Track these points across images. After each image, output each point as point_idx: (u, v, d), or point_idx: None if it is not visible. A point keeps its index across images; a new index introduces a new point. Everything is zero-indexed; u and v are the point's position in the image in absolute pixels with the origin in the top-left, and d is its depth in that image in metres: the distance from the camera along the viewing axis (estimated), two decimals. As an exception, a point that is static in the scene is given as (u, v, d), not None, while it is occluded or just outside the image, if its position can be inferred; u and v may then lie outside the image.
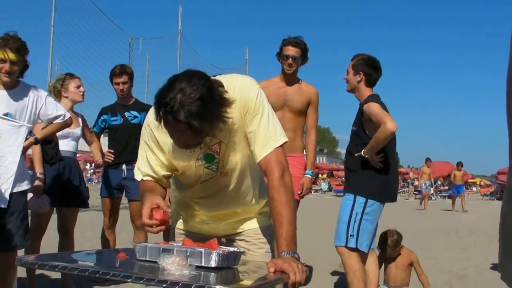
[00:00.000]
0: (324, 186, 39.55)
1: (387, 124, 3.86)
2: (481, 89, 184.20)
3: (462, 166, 20.76)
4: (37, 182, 4.42)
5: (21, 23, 20.03)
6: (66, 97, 4.81)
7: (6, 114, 3.68)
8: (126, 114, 5.33)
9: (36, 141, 3.97)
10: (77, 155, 5.03)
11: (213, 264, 1.82)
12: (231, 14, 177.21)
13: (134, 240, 5.20)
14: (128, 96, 5.43)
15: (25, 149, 3.84)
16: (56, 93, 4.83)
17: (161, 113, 1.87)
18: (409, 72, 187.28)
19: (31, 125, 3.84)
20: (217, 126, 1.94)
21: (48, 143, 4.52)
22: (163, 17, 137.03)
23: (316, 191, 38.08)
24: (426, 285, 4.83)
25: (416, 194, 32.68)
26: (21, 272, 4.60)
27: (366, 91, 4.21)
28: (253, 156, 2.16)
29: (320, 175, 47.11)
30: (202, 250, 1.85)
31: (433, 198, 30.12)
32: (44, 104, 3.88)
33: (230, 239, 2.48)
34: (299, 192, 4.79)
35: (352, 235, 4.05)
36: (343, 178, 42.17)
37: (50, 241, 5.71)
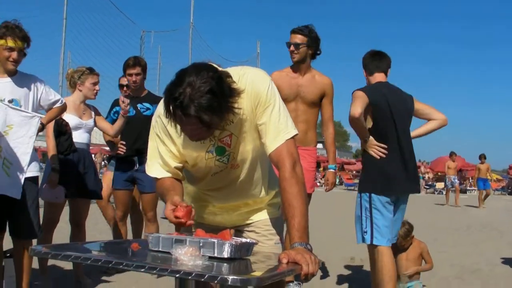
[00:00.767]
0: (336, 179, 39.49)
1: (350, 111, 3.88)
2: (493, 83, 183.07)
3: (485, 158, 19.35)
4: (52, 173, 4.45)
5: (33, 15, 20.17)
6: (80, 91, 4.82)
7: (11, 101, 3.73)
8: (139, 106, 5.34)
9: (43, 126, 3.97)
10: (91, 148, 5.04)
11: (226, 254, 1.82)
12: (244, 7, 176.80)
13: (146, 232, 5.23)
14: (141, 88, 5.44)
15: None
16: (72, 83, 4.85)
17: (171, 108, 1.87)
18: (420, 65, 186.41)
19: (42, 115, 3.87)
20: (227, 118, 1.95)
21: (63, 134, 4.55)
22: (175, 10, 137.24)
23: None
24: (428, 267, 4.94)
25: (427, 189, 32.55)
26: (33, 263, 4.64)
27: (371, 82, 4.24)
28: (264, 148, 2.16)
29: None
30: (215, 240, 1.85)
31: (443, 193, 30.01)
32: (44, 90, 3.97)
33: (239, 230, 2.48)
34: (325, 188, 4.85)
35: (365, 232, 4.05)
36: (354, 172, 41.91)
37: (61, 234, 5.74)
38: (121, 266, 1.68)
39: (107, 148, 5.51)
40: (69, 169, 4.60)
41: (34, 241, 4.07)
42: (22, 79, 3.87)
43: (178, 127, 2.00)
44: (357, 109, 3.84)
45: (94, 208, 5.86)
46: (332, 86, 4.79)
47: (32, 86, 3.89)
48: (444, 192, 30.02)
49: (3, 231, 3.89)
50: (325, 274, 5.81)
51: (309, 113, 4.73)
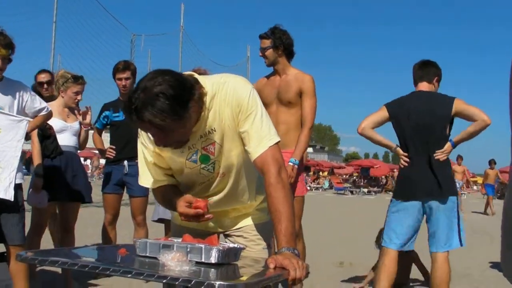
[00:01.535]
0: (325, 183, 39.58)
1: None
2: (483, 87, 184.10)
3: (495, 163, 18.38)
4: (36, 178, 4.42)
5: (23, 19, 20.06)
6: (62, 97, 4.80)
7: None
8: (128, 110, 5.32)
9: (27, 134, 3.93)
10: (82, 151, 5.02)
11: (213, 260, 1.82)
12: (234, 11, 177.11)
13: (135, 236, 5.21)
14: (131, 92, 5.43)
15: None
16: (56, 88, 4.83)
17: (127, 113, 1.89)
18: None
19: (31, 119, 3.85)
20: (186, 121, 1.94)
21: (47, 138, 4.52)
22: (166, 14, 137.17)
23: (317, 188, 38.11)
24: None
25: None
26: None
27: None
28: (248, 155, 2.17)
29: (321, 173, 47.16)
30: (203, 246, 1.85)
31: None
32: (29, 97, 3.89)
33: (227, 235, 2.48)
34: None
35: (386, 234, 4.26)
36: (344, 176, 41.96)
37: (50, 238, 5.72)
38: (108, 272, 1.68)
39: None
40: (57, 173, 4.59)
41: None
42: (7, 86, 3.80)
43: None
44: (361, 124, 4.23)
45: (83, 212, 5.83)
46: (310, 81, 4.57)
47: (17, 93, 3.82)
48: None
49: None
50: (313, 279, 5.81)
51: (289, 114, 4.59)
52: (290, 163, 4.39)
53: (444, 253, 4.13)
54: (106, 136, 5.61)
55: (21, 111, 3.85)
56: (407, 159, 4.19)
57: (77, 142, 4.94)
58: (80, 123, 4.95)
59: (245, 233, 2.45)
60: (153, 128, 1.88)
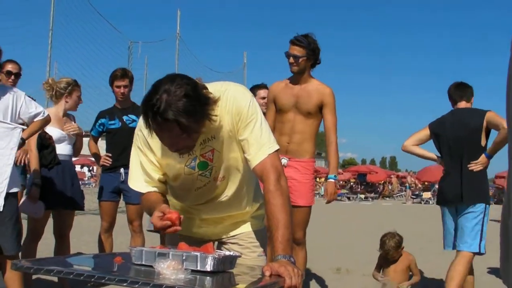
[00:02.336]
0: (322, 190, 39.55)
1: None
2: (479, 92, 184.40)
3: None
4: (33, 188, 4.41)
5: (20, 26, 20.02)
6: (67, 102, 4.81)
7: None
8: (124, 117, 5.33)
9: (23, 142, 3.91)
10: (79, 158, 5.03)
11: (208, 268, 1.83)
12: (230, 17, 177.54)
13: (131, 244, 5.21)
14: (127, 100, 5.44)
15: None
16: (58, 94, 4.82)
17: (149, 116, 1.89)
18: (416, 75, 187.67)
19: (25, 126, 3.83)
20: (204, 124, 1.97)
21: (45, 148, 4.51)
22: (162, 21, 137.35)
23: (315, 194, 38.03)
24: (416, 279, 4.96)
25: (413, 198, 32.69)
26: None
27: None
28: (248, 162, 2.18)
29: (317, 179, 47.13)
30: (198, 254, 1.85)
31: (430, 203, 30.19)
32: (24, 103, 3.84)
33: (223, 242, 2.48)
34: (325, 199, 4.83)
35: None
36: (341, 182, 41.86)
37: (46, 245, 5.70)
38: (103, 281, 1.68)
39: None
40: (54, 183, 4.59)
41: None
42: (0, 92, 3.75)
43: (159, 140, 2.02)
44: (405, 142, 4.90)
45: (79, 220, 5.84)
46: (331, 96, 4.59)
47: (11, 98, 3.75)
48: (430, 202, 30.25)
49: None
50: (311, 285, 5.81)
51: (306, 124, 4.58)
52: (331, 180, 4.71)
53: (464, 252, 4.54)
54: (102, 144, 5.60)
55: (16, 117, 3.81)
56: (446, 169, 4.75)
57: (72, 151, 4.96)
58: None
59: (241, 240, 2.45)
60: (176, 128, 1.88)
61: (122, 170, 5.27)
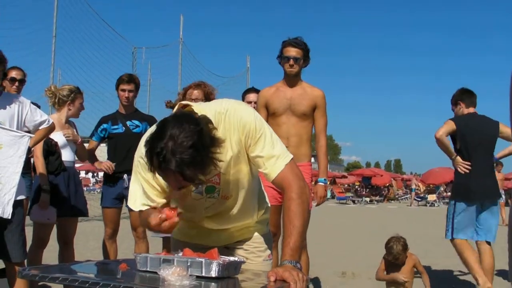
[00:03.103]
0: (327, 193, 39.48)
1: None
2: (485, 93, 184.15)
3: (502, 166, 18.21)
4: (43, 195, 4.43)
5: (23, 33, 20.05)
6: (70, 110, 4.83)
7: None
8: (128, 123, 5.34)
9: (29, 150, 3.92)
10: (84, 165, 5.05)
11: (213, 274, 1.82)
12: (233, 22, 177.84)
13: (136, 250, 5.21)
14: (131, 105, 5.46)
15: None
16: (60, 102, 4.82)
17: (153, 163, 1.84)
18: (420, 75, 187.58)
19: (32, 135, 3.84)
20: (209, 170, 1.90)
21: (52, 154, 4.53)
22: (165, 26, 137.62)
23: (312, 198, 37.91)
24: (426, 277, 4.90)
25: (418, 201, 32.60)
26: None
27: (463, 113, 5.42)
28: (266, 176, 2.15)
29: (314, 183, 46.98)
30: (203, 260, 1.85)
31: (435, 205, 30.09)
32: (29, 111, 3.87)
33: (228, 248, 2.47)
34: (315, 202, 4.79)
35: (448, 229, 5.33)
36: (346, 185, 41.70)
37: (51, 252, 5.70)
38: (108, 288, 1.68)
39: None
40: (61, 189, 4.60)
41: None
42: (6, 100, 3.78)
43: None
44: (439, 131, 5.18)
45: (84, 226, 5.84)
46: (323, 98, 4.68)
47: (17, 107, 3.79)
48: (436, 204, 30.15)
49: None
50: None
51: (301, 126, 4.63)
52: (321, 183, 4.77)
53: (488, 246, 5.19)
54: (103, 148, 5.58)
55: (22, 125, 3.84)
56: (468, 166, 5.17)
57: (74, 157, 4.99)
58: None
59: (246, 246, 2.45)
60: (179, 177, 1.84)
61: (125, 176, 5.26)
